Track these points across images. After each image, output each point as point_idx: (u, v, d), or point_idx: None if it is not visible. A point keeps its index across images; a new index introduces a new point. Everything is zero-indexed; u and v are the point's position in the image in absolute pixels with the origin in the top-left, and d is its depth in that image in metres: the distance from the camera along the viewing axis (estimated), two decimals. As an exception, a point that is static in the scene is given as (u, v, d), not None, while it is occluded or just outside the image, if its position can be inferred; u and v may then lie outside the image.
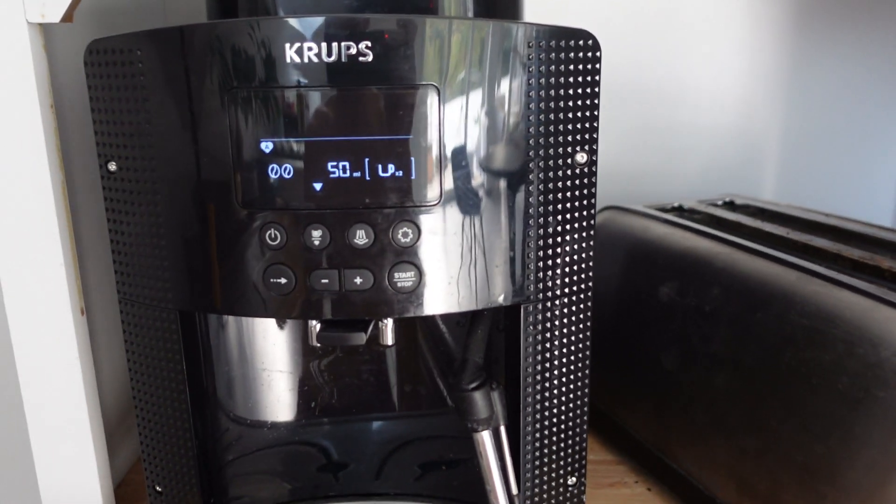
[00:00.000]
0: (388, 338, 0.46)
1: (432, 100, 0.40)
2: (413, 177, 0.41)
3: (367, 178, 0.41)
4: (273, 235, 0.42)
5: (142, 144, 0.43)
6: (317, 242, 0.41)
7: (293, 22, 0.39)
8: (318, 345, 0.45)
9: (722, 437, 0.53)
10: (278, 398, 0.55)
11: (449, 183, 0.42)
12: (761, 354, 0.51)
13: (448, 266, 0.43)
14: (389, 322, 0.45)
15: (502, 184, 0.43)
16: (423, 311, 0.43)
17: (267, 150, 0.41)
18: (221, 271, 0.43)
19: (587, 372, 0.48)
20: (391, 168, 0.41)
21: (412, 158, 0.41)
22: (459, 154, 0.41)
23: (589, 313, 0.47)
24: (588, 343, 0.48)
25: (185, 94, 0.41)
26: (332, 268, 0.42)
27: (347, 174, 0.41)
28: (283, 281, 0.42)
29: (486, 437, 0.49)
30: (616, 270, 0.66)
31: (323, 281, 0.42)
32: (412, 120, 0.40)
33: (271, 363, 0.53)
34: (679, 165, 0.84)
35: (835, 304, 0.48)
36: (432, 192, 0.41)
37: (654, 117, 0.82)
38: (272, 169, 0.41)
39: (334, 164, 0.41)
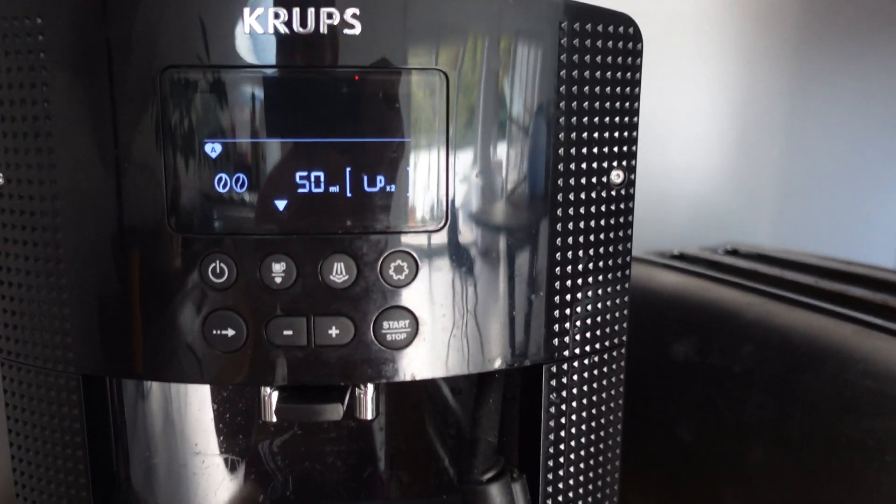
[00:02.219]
0: (368, 410, 0.35)
1: (438, 91, 0.31)
2: (409, 193, 0.32)
3: (349, 193, 0.32)
4: (218, 270, 0.32)
5: (38, 148, 0.32)
6: (278, 280, 0.32)
7: (254, -22, 0.30)
8: (275, 420, 0.34)
9: (762, 526, 0.46)
10: (216, 491, 0.43)
11: (457, 202, 0.32)
12: (811, 423, 0.44)
13: (453, 313, 0.33)
14: (370, 389, 0.35)
15: (523, 205, 0.34)
16: (420, 373, 0.33)
17: (213, 155, 0.31)
18: (145, 322, 0.33)
19: (619, 451, 0.39)
20: (381, 181, 0.32)
21: (409, 168, 0.31)
22: (471, 164, 0.32)
23: (622, 375, 0.38)
24: (621, 414, 0.38)
25: (102, 77, 0.31)
26: (299, 315, 0.32)
27: (322, 189, 0.32)
28: (231, 333, 0.32)
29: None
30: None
31: (285, 333, 0.32)
32: (410, 116, 0.31)
33: (207, 445, 0.42)
34: (668, 211, 0.77)
35: (908, 363, 0.40)
36: (435, 214, 0.32)
37: (643, 159, 0.76)
38: (219, 180, 0.31)
39: (304, 174, 0.32)
